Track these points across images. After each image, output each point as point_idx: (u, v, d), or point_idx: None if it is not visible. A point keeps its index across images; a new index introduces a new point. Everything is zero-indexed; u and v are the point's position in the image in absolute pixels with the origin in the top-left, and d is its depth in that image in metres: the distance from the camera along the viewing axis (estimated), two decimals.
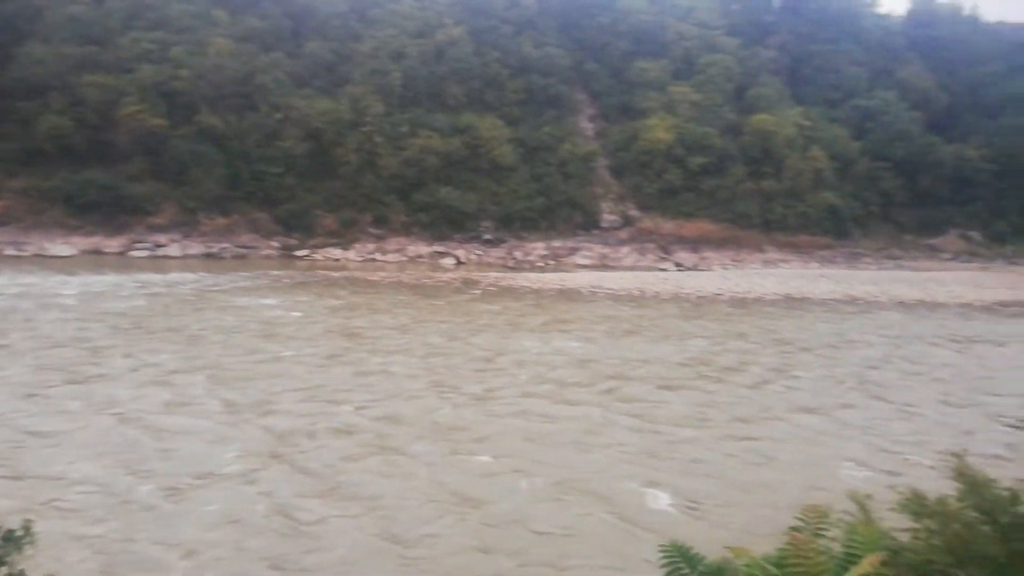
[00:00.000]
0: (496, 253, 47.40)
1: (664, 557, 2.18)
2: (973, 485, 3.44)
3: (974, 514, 3.38)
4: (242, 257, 41.95)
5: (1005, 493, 3.38)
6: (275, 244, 44.92)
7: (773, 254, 51.63)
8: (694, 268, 46.57)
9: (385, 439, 11.17)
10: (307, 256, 43.81)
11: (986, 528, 3.30)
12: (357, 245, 46.11)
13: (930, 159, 59.22)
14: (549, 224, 50.98)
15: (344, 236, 46.58)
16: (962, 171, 59.76)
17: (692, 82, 57.44)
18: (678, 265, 47.32)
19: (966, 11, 75.66)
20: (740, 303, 30.96)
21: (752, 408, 13.72)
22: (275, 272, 35.49)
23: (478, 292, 31.34)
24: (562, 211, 51.65)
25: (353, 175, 48.19)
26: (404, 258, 45.20)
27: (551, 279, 37.14)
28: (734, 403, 14.07)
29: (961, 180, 59.94)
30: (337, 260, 43.35)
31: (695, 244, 50.97)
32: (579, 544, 7.94)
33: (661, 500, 9.16)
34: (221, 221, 44.56)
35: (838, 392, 15.42)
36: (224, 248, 42.69)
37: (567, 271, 42.89)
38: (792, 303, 31.41)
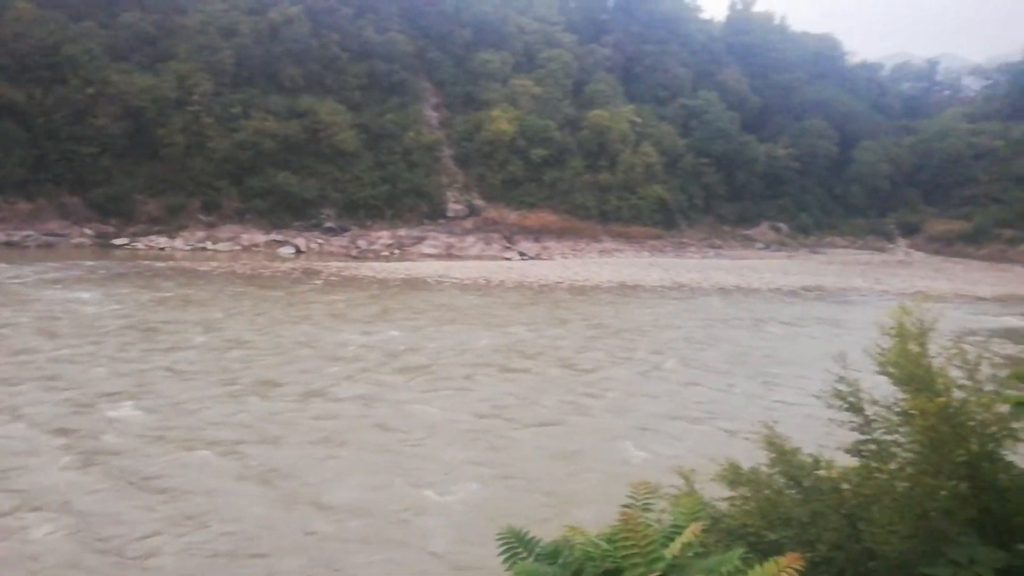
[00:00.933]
0: (339, 242, 46.10)
1: (502, 543, 2.18)
2: (781, 453, 3.76)
3: (782, 480, 3.70)
4: (49, 246, 37.84)
5: (808, 459, 3.72)
6: (89, 232, 40.92)
7: (609, 244, 54.19)
8: (537, 257, 47.85)
9: (107, 445, 10.07)
10: (126, 245, 40.30)
11: (792, 492, 3.62)
12: (185, 233, 43.05)
13: (746, 156, 64.65)
14: (394, 213, 50.31)
15: (170, 223, 43.31)
16: (773, 168, 65.82)
17: (533, 76, 58.87)
18: (522, 255, 48.43)
19: (776, 20, 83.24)
20: (579, 291, 32.20)
21: (535, 392, 14.08)
22: (89, 263, 32.31)
23: (319, 282, 30.32)
24: (407, 200, 51.14)
25: (179, 157, 44.88)
26: (238, 247, 42.79)
27: (396, 268, 36.70)
28: (538, 388, 14.59)
29: (772, 176, 66.00)
30: (162, 249, 40.26)
31: (537, 234, 52.39)
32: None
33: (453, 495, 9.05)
34: (24, 206, 39.95)
35: (641, 373, 16.43)
36: (27, 236, 38.29)
37: (413, 260, 42.57)
38: (626, 290, 33.11)
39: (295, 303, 24.14)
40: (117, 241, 40.50)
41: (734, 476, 3.79)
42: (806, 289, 36.69)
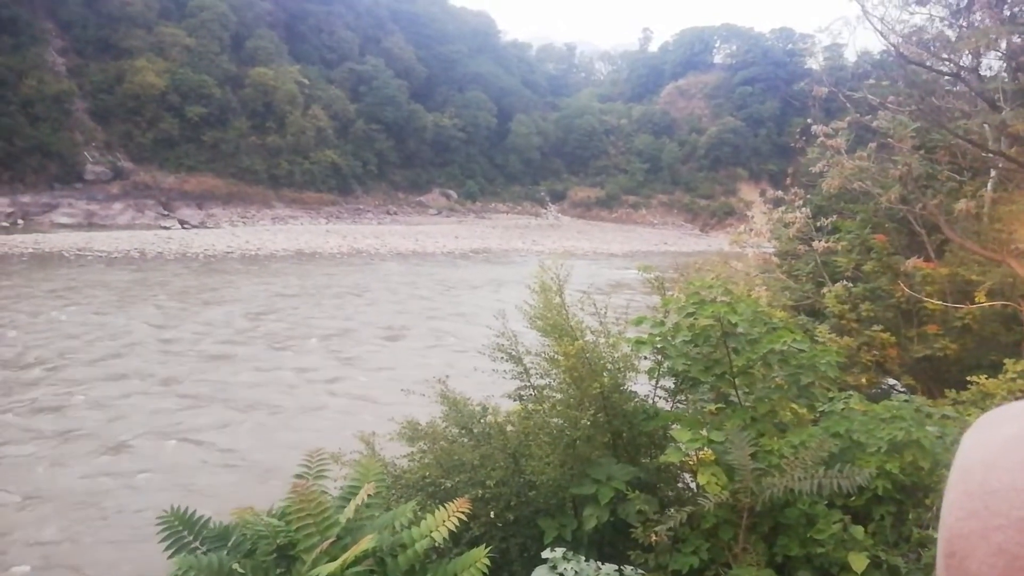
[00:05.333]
0: None
1: (163, 526, 1.98)
2: (453, 404, 4.01)
3: (456, 429, 3.96)
4: None
5: (478, 408, 4.03)
6: None
7: (283, 210, 51.98)
8: (201, 226, 43.99)
9: None
10: None
11: (465, 440, 3.89)
12: None
13: (415, 125, 66.52)
14: (14, 175, 41.99)
15: None
16: (440, 137, 68.75)
17: (184, 25, 53.24)
18: (183, 223, 44.09)
19: None
20: (252, 260, 30.48)
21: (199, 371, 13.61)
22: None
23: None
24: (30, 160, 43.01)
25: None
26: None
27: (21, 241, 30.87)
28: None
29: (440, 145, 68.97)
30: None
31: (200, 200, 48.08)
32: None
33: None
34: None
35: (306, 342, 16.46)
36: None
37: (43, 232, 36.19)
38: (303, 257, 32.21)
39: None
40: None
41: (412, 432, 3.96)
42: (475, 252, 39.32)
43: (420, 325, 18.49)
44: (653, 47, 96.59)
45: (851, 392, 3.95)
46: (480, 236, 48.69)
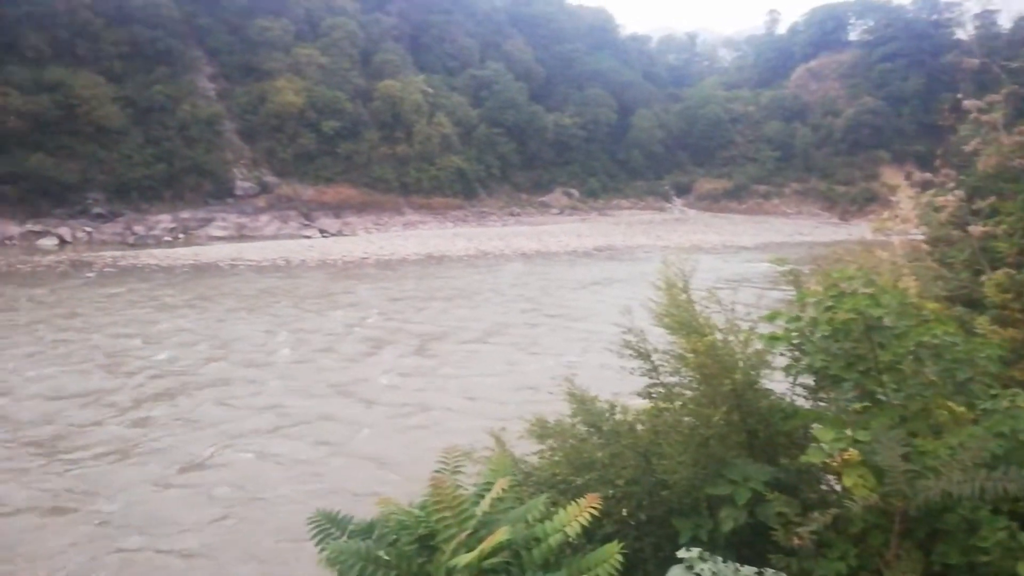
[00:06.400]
0: (111, 229, 41.59)
1: (313, 527, 2.15)
2: (582, 403, 4.01)
3: (584, 428, 3.96)
4: None
5: (606, 406, 4.02)
6: None
7: (412, 216, 53.98)
8: (339, 234, 46.49)
9: None
10: None
11: (594, 438, 3.89)
12: None
13: (536, 126, 67.10)
14: (175, 194, 46.25)
15: None
16: (561, 136, 68.94)
17: (317, 44, 56.55)
18: (323, 232, 46.79)
19: None
20: (386, 264, 31.85)
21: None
22: None
23: (92, 275, 27.24)
24: (188, 179, 47.19)
25: None
26: None
27: (183, 254, 33.89)
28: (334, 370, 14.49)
29: (561, 144, 69.16)
30: None
31: (337, 209, 50.85)
32: None
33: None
34: None
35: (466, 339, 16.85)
36: None
37: (201, 244, 39.55)
38: (432, 261, 33.29)
39: (74, 299, 21.51)
40: None
41: (541, 430, 4.00)
42: (599, 249, 39.13)
43: (544, 323, 18.63)
44: (780, 29, 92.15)
45: (1018, 389, 3.61)
46: (603, 233, 48.39)
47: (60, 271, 28.20)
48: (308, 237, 44.56)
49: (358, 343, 16.09)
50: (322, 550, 2.03)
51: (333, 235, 45.90)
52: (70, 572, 6.70)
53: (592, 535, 2.99)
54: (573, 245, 40.62)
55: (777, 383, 3.73)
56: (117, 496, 8.28)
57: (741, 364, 3.59)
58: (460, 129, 61.06)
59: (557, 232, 48.76)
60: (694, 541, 3.07)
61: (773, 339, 3.55)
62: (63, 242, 38.29)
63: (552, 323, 18.72)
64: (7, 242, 37.50)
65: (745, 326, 3.72)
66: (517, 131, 65.44)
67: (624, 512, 3.39)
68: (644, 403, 4.04)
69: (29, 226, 39.37)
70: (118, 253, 34.25)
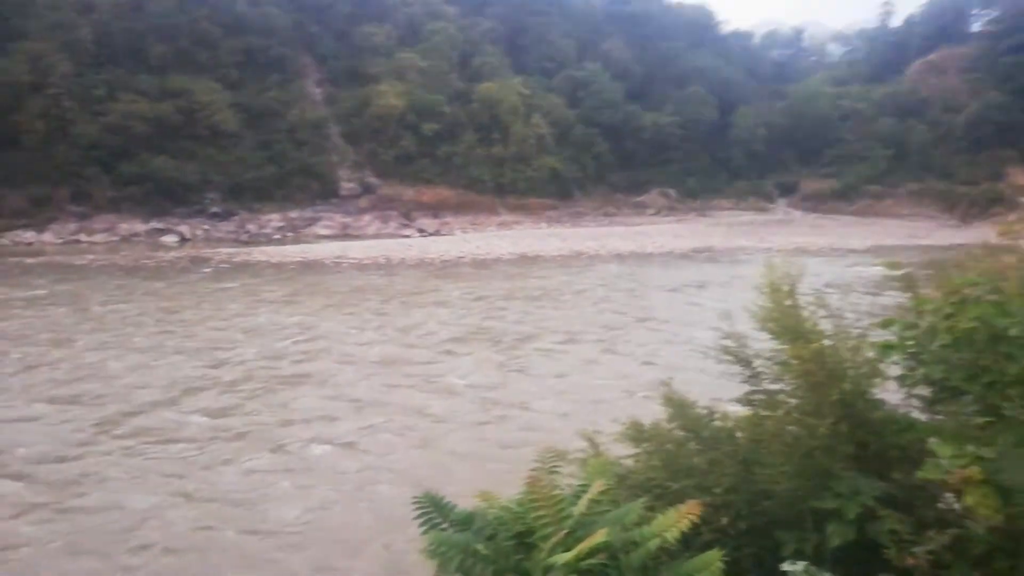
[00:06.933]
0: (226, 227, 44.14)
1: (418, 508, 2.22)
2: (679, 407, 3.94)
3: (681, 433, 3.89)
4: None
5: (704, 411, 3.93)
6: None
7: (507, 216, 54.51)
8: (436, 233, 47.53)
9: None
10: None
11: (691, 443, 3.81)
12: (54, 226, 40.02)
13: (632, 125, 66.31)
14: (284, 194, 48.60)
15: (36, 216, 40.11)
16: (658, 136, 67.84)
17: (418, 49, 57.97)
18: (421, 231, 47.98)
19: None
20: (481, 264, 32.32)
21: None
22: None
23: (209, 270, 28.99)
24: (297, 180, 49.50)
25: (41, 145, 41.54)
26: (115, 238, 40.21)
27: (291, 251, 35.55)
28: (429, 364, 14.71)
29: (658, 144, 68.06)
30: (30, 244, 37.30)
31: (435, 210, 52.00)
32: None
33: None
34: None
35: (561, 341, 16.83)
36: None
37: (308, 242, 41.35)
38: (527, 261, 33.50)
39: (187, 293, 22.99)
40: None
41: (636, 434, 3.95)
42: (696, 251, 38.28)
43: (636, 325, 18.39)
44: (895, 22, 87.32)
45: None
46: (702, 235, 47.28)
47: (180, 266, 30.15)
48: (407, 237, 45.77)
49: (448, 341, 16.39)
50: (425, 532, 2.09)
51: (431, 235, 46.95)
52: (158, 550, 7.12)
53: (689, 542, 2.94)
54: (670, 246, 39.90)
55: (890, 393, 3.55)
56: (203, 478, 8.76)
57: (851, 372, 3.43)
58: (556, 130, 61.15)
59: (653, 233, 48.01)
60: (798, 555, 2.96)
61: (887, 347, 3.37)
62: (183, 239, 40.93)
63: (643, 325, 18.46)
64: (134, 238, 40.44)
65: (855, 332, 3.56)
66: (614, 131, 64.89)
67: (723, 521, 3.31)
68: (743, 410, 3.93)
69: (153, 224, 42.32)
70: (232, 250, 36.31)
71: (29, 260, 31.29)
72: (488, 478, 8.32)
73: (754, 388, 3.85)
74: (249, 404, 11.58)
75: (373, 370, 13.86)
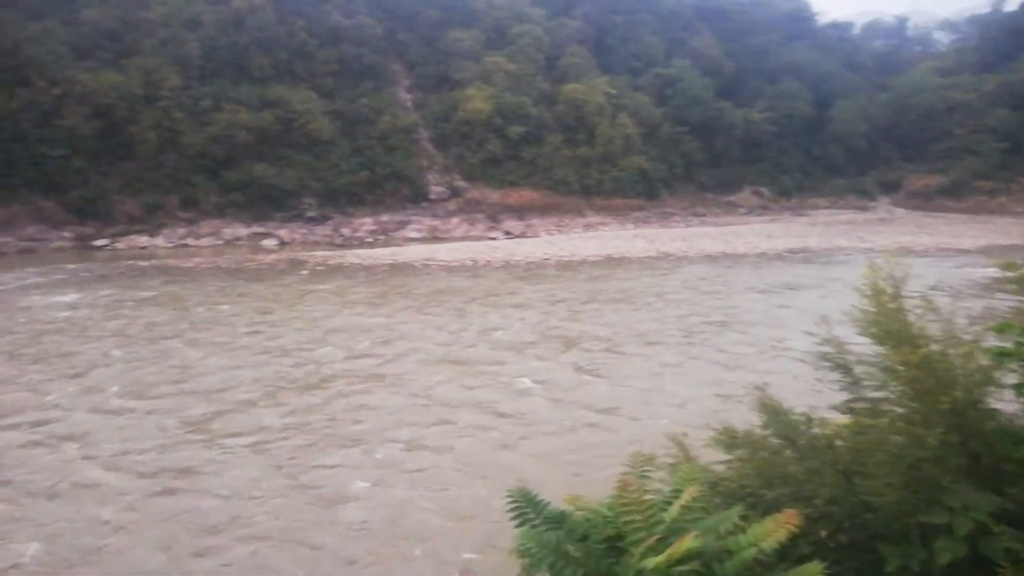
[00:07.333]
0: (322, 231, 45.82)
1: (512, 502, 2.24)
2: (774, 414, 3.82)
3: (776, 440, 3.77)
4: (29, 251, 37.34)
5: (800, 418, 3.80)
6: (67, 235, 40.38)
7: (593, 218, 54.17)
8: (522, 236, 47.79)
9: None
10: (107, 246, 39.83)
11: (787, 451, 3.69)
12: (166, 231, 42.62)
13: (723, 123, 64.61)
14: (376, 198, 50.02)
15: (149, 222, 42.85)
16: (750, 133, 65.84)
17: (505, 52, 58.37)
18: (507, 233, 48.34)
19: None
20: (566, 266, 32.26)
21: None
22: (71, 266, 31.97)
23: (306, 272, 30.19)
24: (388, 184, 50.85)
25: (153, 155, 44.32)
26: (220, 242, 42.42)
27: (382, 254, 36.56)
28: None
29: (750, 141, 66.06)
30: (144, 248, 39.84)
31: (521, 212, 52.27)
32: None
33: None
34: None
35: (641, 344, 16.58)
36: (5, 243, 37.75)
37: (398, 245, 42.41)
38: (612, 262, 33.21)
39: (283, 294, 24.03)
40: (97, 243, 40.02)
41: (730, 440, 3.86)
42: (791, 252, 36.95)
43: (723, 330, 17.90)
44: (1010, 6, 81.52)
45: None
46: (797, 235, 45.56)
47: (279, 269, 31.51)
48: (493, 239, 46.20)
49: (529, 343, 16.44)
50: (518, 527, 2.12)
51: (517, 237, 47.23)
52: (236, 537, 7.44)
53: (786, 554, 2.85)
54: (763, 247, 38.65)
55: (1007, 403, 3.33)
56: (283, 473, 9.08)
57: (962, 380, 3.24)
58: (643, 129, 60.31)
59: (745, 233, 46.62)
60: (903, 571, 2.83)
61: (1002, 354, 3.17)
62: (282, 243, 42.76)
63: (730, 329, 17.96)
64: (236, 242, 42.55)
65: (967, 338, 3.36)
66: (703, 129, 63.43)
67: (822, 533, 3.19)
68: (841, 418, 3.78)
69: (255, 228, 44.41)
70: (327, 253, 37.65)
71: (143, 263, 33.43)
72: (572, 481, 8.30)
73: (854, 396, 3.69)
74: (331, 404, 11.96)
75: (453, 371, 14.07)
